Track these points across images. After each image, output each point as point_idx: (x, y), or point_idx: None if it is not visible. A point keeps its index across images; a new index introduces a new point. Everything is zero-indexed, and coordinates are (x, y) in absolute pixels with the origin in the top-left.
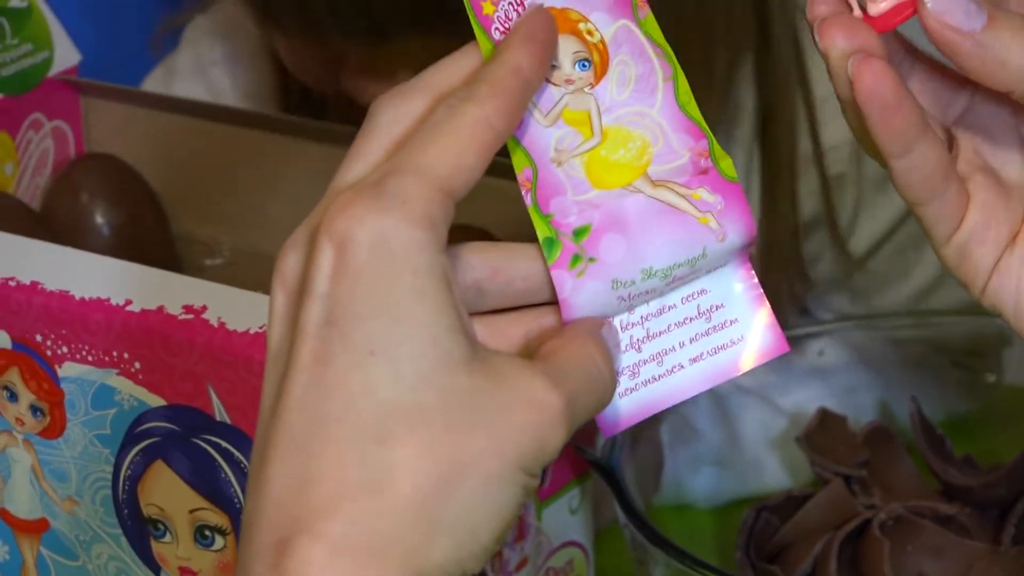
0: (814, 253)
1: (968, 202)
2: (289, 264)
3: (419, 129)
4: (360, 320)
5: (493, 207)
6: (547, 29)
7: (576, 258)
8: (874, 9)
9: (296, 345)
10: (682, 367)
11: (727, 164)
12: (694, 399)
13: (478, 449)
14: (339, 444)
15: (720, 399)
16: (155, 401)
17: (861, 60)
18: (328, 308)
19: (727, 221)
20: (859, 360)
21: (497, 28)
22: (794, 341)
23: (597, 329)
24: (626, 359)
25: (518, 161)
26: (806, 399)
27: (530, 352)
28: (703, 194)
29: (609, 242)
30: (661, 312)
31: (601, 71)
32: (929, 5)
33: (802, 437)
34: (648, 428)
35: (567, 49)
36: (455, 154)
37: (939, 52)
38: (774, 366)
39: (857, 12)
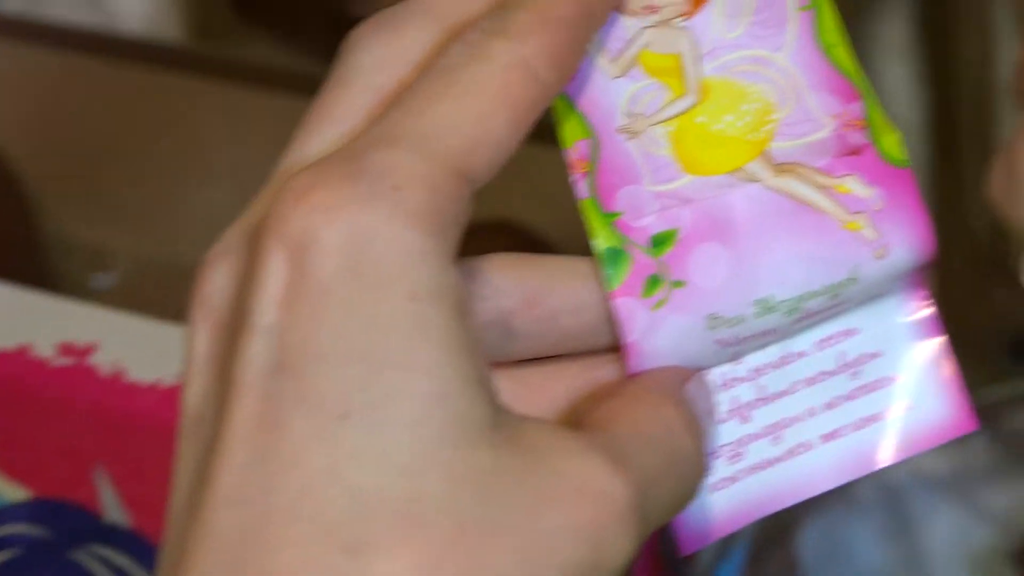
0: None
1: None
2: (216, 283)
3: (420, 78)
4: (326, 365)
5: (537, 191)
6: None
7: (654, 281)
8: None
9: (228, 405)
10: (811, 447)
11: (892, 141)
12: (842, 496)
13: (505, 564)
14: (293, 555)
15: (893, 495)
16: (14, 494)
17: None
18: (277, 348)
19: (890, 228)
20: None
21: None
22: (1002, 408)
23: (679, 385)
24: (725, 433)
25: (570, 130)
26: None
27: (577, 420)
28: (853, 185)
29: (706, 257)
30: (783, 363)
31: None
32: None
33: (1020, 554)
34: (777, 538)
35: None
36: (476, 117)
37: None
38: (974, 448)
39: None
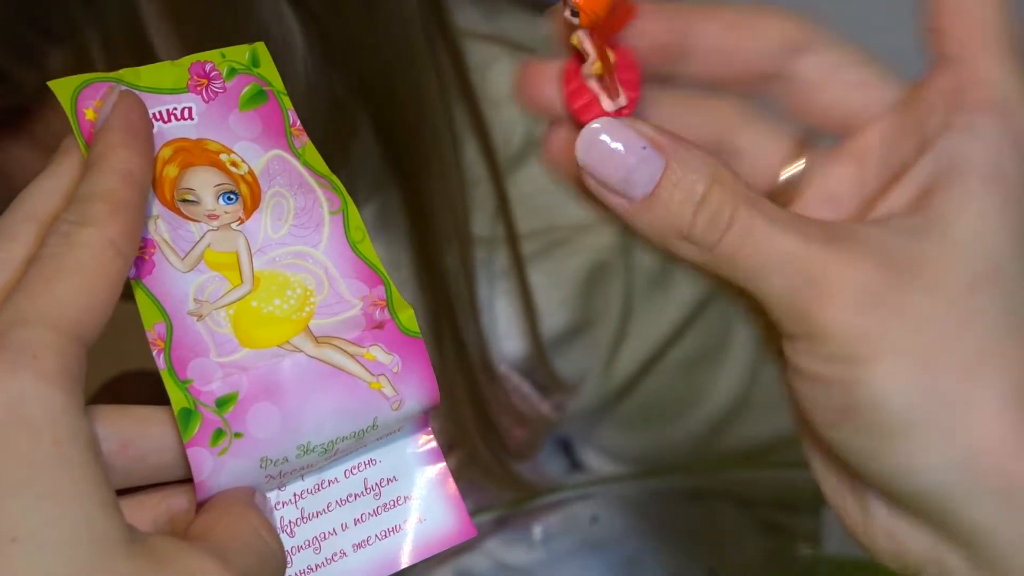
0: (573, 373)
1: None
2: None
3: (32, 266)
4: None
5: None
6: (144, 117)
7: (219, 434)
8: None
9: None
10: (344, 555)
11: (407, 316)
12: None
13: None
14: None
15: None
16: None
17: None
18: None
19: (404, 386)
20: (642, 525)
21: None
22: (560, 506)
23: (251, 498)
24: None
25: (148, 315)
26: None
27: (178, 535)
28: (377, 353)
29: (260, 414)
30: (319, 488)
31: (252, 205)
32: (580, 155)
33: None
34: None
35: (207, 181)
36: (84, 292)
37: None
38: (540, 540)
39: (607, 104)
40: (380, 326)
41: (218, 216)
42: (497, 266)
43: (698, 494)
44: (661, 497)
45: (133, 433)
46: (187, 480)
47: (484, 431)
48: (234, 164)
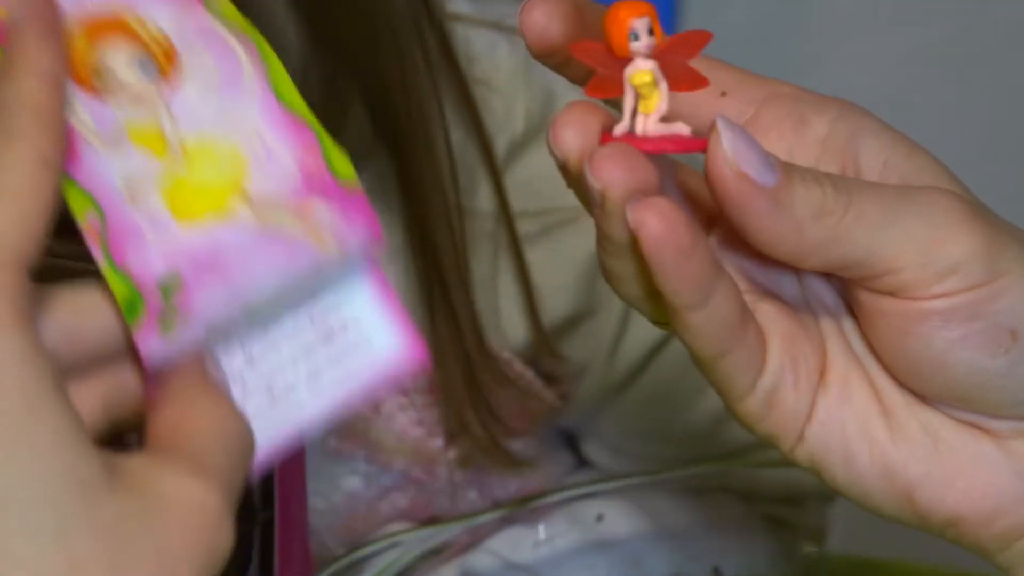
0: (577, 361)
1: (766, 339)
2: None
3: None
4: None
5: None
6: (54, 7)
7: (165, 318)
8: (641, 127)
9: None
10: (295, 390)
11: (342, 164)
12: None
13: None
14: None
15: None
16: None
17: (642, 206)
18: None
19: (346, 233)
20: (646, 524)
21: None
22: (565, 505)
23: (205, 375)
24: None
25: (77, 205)
26: None
27: (114, 418)
28: (316, 206)
29: (205, 290)
30: (264, 327)
31: (171, 72)
32: (726, 146)
33: None
34: None
35: (119, 52)
36: (22, 215)
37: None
38: (545, 538)
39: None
40: (317, 176)
41: (135, 88)
42: (501, 245)
43: (703, 493)
44: (666, 496)
45: (78, 324)
46: (130, 350)
47: (478, 407)
48: (143, 26)
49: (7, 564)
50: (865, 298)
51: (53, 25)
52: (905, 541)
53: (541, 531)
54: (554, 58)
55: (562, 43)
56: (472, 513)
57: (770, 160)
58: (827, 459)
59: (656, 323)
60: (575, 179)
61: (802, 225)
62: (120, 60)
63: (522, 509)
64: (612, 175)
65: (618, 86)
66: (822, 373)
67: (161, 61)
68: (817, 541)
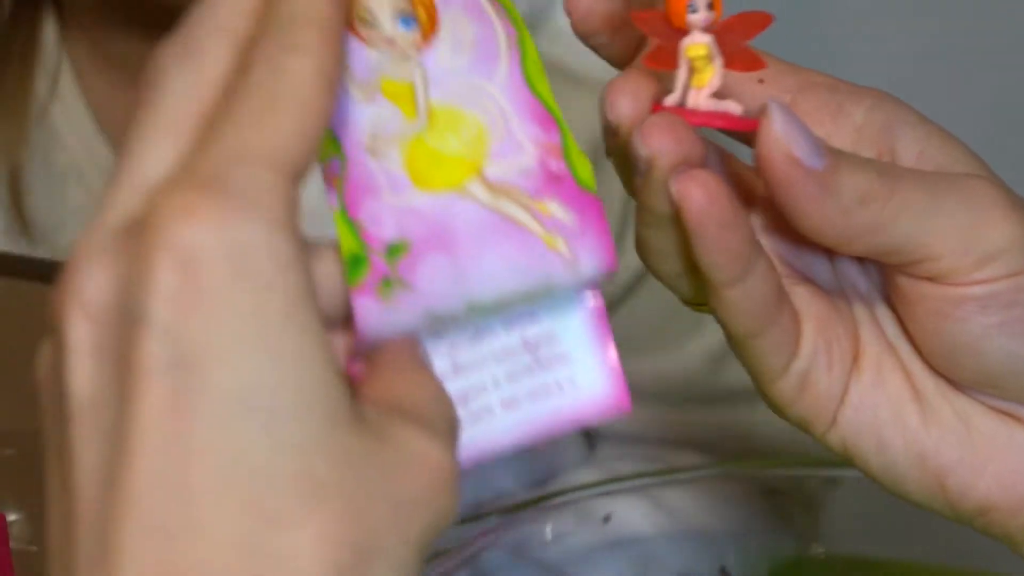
0: None
1: (800, 322)
2: (93, 282)
3: (240, 95)
4: (226, 362)
5: None
6: None
7: (387, 283)
8: (692, 100)
9: (135, 390)
10: (492, 413)
11: (585, 169)
12: None
13: (381, 530)
14: (222, 528)
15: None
16: None
17: (687, 176)
18: (176, 345)
19: (581, 247)
20: (654, 524)
21: None
22: (572, 504)
23: (420, 355)
24: None
25: (324, 148)
26: None
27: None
28: (553, 208)
29: (431, 265)
30: (475, 340)
31: (430, 30)
32: (778, 128)
33: None
34: None
35: (384, 2)
36: (302, 127)
37: (772, 189)
38: (552, 538)
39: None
40: (557, 178)
41: (395, 43)
42: None
43: (711, 492)
44: (673, 496)
45: (327, 273)
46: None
47: None
48: None
49: (250, 468)
50: (903, 283)
51: None
52: (906, 541)
53: (548, 531)
54: (598, 37)
55: (607, 22)
56: (482, 513)
57: (819, 145)
58: (860, 444)
59: (690, 304)
60: (620, 147)
61: (848, 209)
62: (384, 9)
63: (530, 508)
64: (661, 144)
65: (675, 59)
66: (855, 358)
67: (423, 20)
68: (823, 542)
